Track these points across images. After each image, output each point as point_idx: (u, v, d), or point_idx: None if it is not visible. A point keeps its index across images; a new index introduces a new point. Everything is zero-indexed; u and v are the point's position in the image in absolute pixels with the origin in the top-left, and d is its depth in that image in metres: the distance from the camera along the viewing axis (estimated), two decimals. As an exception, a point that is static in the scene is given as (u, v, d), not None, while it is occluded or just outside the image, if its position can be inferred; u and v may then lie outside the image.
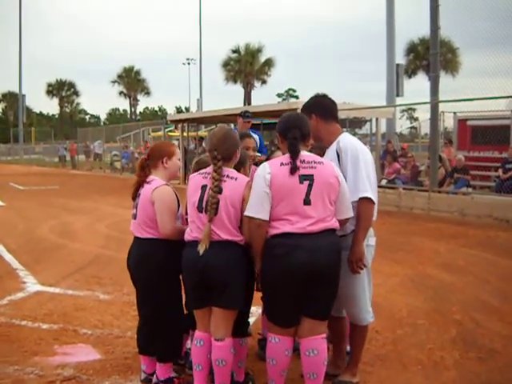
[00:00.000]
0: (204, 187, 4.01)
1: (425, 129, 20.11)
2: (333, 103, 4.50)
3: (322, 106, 4.41)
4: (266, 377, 4.18)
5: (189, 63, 73.65)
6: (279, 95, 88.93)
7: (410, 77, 48.76)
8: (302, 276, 3.79)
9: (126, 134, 36.45)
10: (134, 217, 4.45)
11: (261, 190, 3.83)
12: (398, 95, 25.03)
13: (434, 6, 14.58)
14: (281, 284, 3.84)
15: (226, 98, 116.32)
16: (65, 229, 12.41)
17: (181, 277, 4.29)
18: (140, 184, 4.44)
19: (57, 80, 77.73)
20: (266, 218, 3.83)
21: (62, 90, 77.53)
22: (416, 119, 59.73)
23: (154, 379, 4.42)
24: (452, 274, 8.09)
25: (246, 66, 58.50)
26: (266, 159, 5.20)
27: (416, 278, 7.92)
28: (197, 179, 4.11)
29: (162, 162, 4.44)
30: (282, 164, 3.89)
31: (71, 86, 78.08)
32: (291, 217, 3.81)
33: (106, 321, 6.03)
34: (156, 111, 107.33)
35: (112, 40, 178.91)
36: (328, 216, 3.87)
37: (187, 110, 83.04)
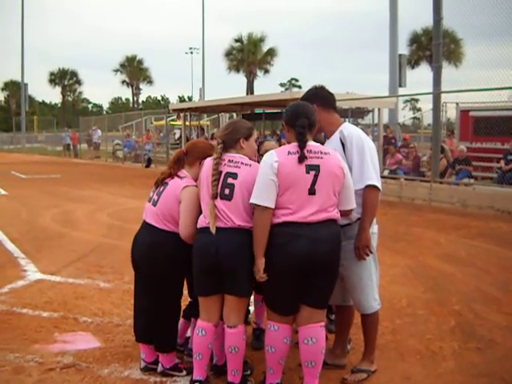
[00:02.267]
0: None
1: (427, 119, 20.10)
2: (331, 94, 4.52)
3: (322, 97, 4.42)
4: (264, 365, 4.20)
5: (191, 52, 73.83)
6: (282, 85, 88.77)
7: (412, 67, 48.59)
8: (302, 265, 3.81)
9: (128, 122, 36.41)
10: (153, 203, 4.39)
11: (267, 177, 3.83)
12: (400, 85, 24.98)
13: (436, -3, 14.53)
14: (281, 273, 3.86)
15: (229, 87, 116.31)
16: (67, 217, 12.42)
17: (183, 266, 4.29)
18: (170, 175, 4.41)
19: (59, 69, 77.63)
20: (271, 205, 3.83)
21: (65, 78, 77.39)
22: (419, 110, 59.73)
23: (160, 368, 4.44)
24: (453, 265, 8.09)
25: (249, 56, 58.28)
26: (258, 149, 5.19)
27: (416, 268, 7.93)
28: (208, 164, 4.11)
29: (200, 163, 4.38)
30: (289, 153, 3.89)
31: (73, 74, 77.94)
32: (294, 206, 3.82)
33: (106, 309, 6.05)
34: (159, 100, 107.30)
35: (115, 29, 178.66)
36: (330, 206, 3.88)
37: (190, 99, 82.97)
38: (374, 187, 4.18)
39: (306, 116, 3.97)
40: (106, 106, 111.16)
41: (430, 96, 15.16)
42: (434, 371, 4.58)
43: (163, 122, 33.85)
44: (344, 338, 4.69)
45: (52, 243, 9.58)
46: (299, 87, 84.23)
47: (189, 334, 4.87)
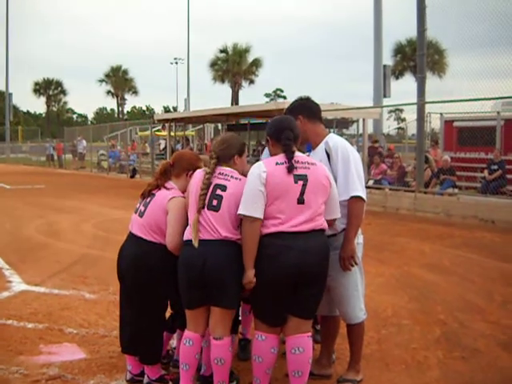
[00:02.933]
0: None
1: (412, 130, 20.23)
2: (317, 105, 4.56)
3: (307, 108, 4.46)
4: (250, 376, 4.21)
5: (176, 62, 73.85)
6: (267, 95, 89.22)
7: (397, 78, 48.91)
8: (292, 277, 3.83)
9: (113, 133, 36.34)
10: (140, 214, 4.38)
11: (255, 188, 3.86)
12: (385, 96, 25.13)
13: (421, 8, 14.66)
14: (270, 284, 3.88)
15: (214, 97, 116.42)
16: (51, 228, 12.36)
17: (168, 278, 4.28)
18: (157, 187, 4.41)
19: (44, 79, 77.33)
20: (260, 216, 3.86)
21: (49, 88, 77.06)
22: (403, 120, 60.18)
23: (146, 379, 4.42)
24: (437, 274, 8.14)
25: (234, 66, 58.39)
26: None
27: (401, 278, 7.97)
28: (199, 176, 4.13)
29: (187, 175, 4.41)
30: (277, 163, 3.93)
31: (58, 84, 77.63)
32: (284, 215, 3.85)
33: (92, 320, 6.02)
34: (143, 110, 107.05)
35: (99, 39, 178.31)
36: (318, 215, 3.92)
37: (175, 109, 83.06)
38: (359, 198, 4.21)
39: (291, 129, 4.03)
40: (90, 116, 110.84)
41: (415, 106, 15.27)
42: (419, 380, 4.60)
43: (148, 133, 33.83)
44: (330, 348, 4.70)
45: (36, 254, 9.52)
46: (284, 97, 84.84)
47: (174, 345, 4.87)
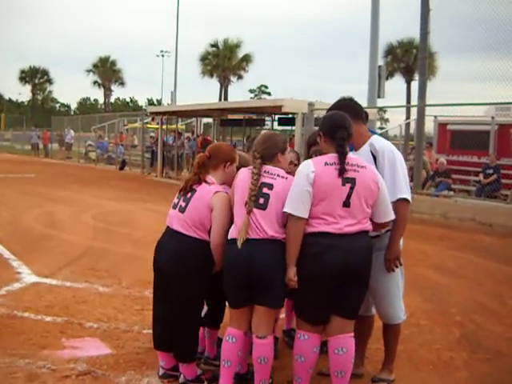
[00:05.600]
0: None
1: (394, 130, 20.27)
2: (360, 106, 4.55)
3: (351, 108, 4.40)
4: (283, 373, 4.26)
5: (163, 55, 73.26)
6: (251, 91, 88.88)
7: (386, 78, 48.99)
8: (336, 276, 3.84)
9: (102, 123, 36.13)
10: (181, 210, 4.31)
11: (302, 187, 3.85)
12: (379, 96, 25.04)
13: (424, 11, 14.70)
14: (314, 283, 3.88)
15: (200, 92, 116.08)
16: (50, 218, 12.23)
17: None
18: (198, 181, 4.35)
19: (30, 67, 76.66)
20: (305, 215, 3.85)
21: (36, 77, 76.43)
22: (386, 120, 60.61)
23: (182, 379, 4.38)
24: (445, 276, 8.22)
25: (224, 61, 58.17)
26: None
27: (410, 278, 7.82)
28: (246, 175, 4.10)
29: (224, 167, 4.39)
30: (326, 163, 3.91)
31: (44, 73, 77.02)
32: (329, 217, 3.84)
33: (111, 314, 5.97)
34: (127, 102, 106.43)
35: (89, 29, 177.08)
36: (364, 218, 3.92)
37: (159, 102, 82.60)
38: (406, 200, 4.23)
39: (345, 127, 3.99)
40: (73, 106, 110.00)
41: (400, 107, 15.38)
42: (449, 381, 4.67)
43: (137, 125, 33.58)
44: (363, 348, 4.70)
45: (40, 245, 9.44)
46: (269, 94, 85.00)
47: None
